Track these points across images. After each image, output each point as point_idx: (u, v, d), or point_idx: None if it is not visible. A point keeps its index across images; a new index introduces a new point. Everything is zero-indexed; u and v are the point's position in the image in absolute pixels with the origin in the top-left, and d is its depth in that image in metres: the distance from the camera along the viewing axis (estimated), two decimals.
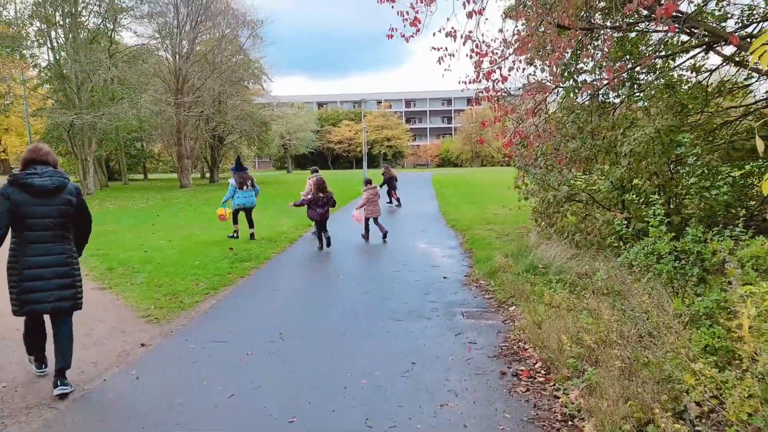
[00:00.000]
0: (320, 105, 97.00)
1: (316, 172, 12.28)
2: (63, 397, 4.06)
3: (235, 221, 11.98)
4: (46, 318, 4.40)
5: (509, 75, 8.29)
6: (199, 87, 34.95)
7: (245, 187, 11.69)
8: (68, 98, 28.40)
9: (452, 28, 8.48)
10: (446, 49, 10.33)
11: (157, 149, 52.13)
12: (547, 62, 8.53)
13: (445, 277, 8.02)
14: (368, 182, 12.33)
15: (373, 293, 7.12)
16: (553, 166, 8.27)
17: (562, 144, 8.16)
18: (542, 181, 7.91)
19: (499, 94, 10.55)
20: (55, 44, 29.27)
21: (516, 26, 9.88)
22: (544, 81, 9.49)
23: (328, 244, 10.62)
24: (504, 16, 11.51)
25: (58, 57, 29.19)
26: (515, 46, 8.17)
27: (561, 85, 8.72)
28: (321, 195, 10.57)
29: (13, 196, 4.06)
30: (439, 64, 10.32)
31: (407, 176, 47.73)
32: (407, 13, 9.33)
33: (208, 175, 45.06)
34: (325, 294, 7.15)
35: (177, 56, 35.49)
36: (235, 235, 11.96)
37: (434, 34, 9.83)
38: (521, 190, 10.08)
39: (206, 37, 38.84)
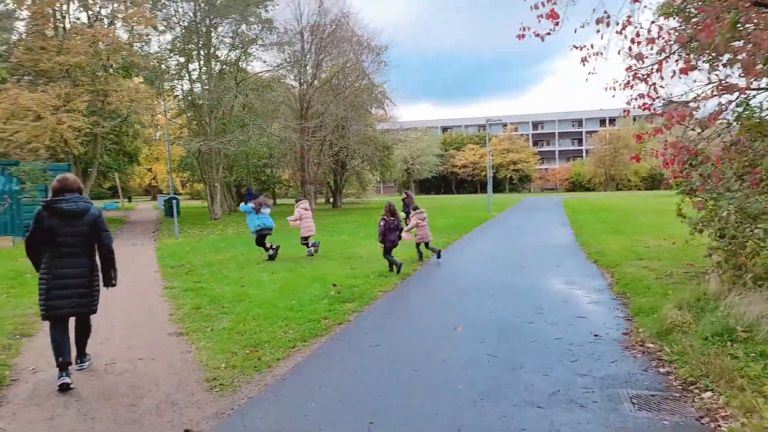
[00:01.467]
0: (444, 129, 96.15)
1: (301, 200, 13.73)
2: (81, 369, 5.13)
3: (261, 243, 12.66)
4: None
5: (688, 67, 6.30)
6: (322, 112, 35.11)
7: (265, 210, 12.45)
8: (200, 126, 29.51)
9: (605, 12, 6.68)
10: (591, 47, 8.50)
11: (286, 175, 53.63)
12: (740, 52, 6.43)
13: (596, 335, 6.11)
14: (415, 208, 12.49)
15: (500, 356, 5.41)
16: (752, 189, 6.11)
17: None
18: (740, 209, 5.79)
19: (655, 100, 8.50)
20: (193, 76, 30.72)
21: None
22: (727, 80, 7.34)
23: (398, 271, 10.38)
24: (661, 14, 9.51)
25: (192, 87, 30.56)
26: (693, 30, 6.20)
27: (758, 81, 6.55)
28: (392, 219, 10.68)
29: (46, 220, 4.81)
30: (583, 65, 8.48)
31: (534, 201, 44.94)
32: (542, 4, 7.66)
33: (332, 200, 45.40)
34: (436, 354, 5.54)
35: (303, 83, 36.08)
36: (273, 252, 12.57)
37: (575, 31, 8.05)
38: (691, 219, 7.91)
39: (331, 63, 39.21)
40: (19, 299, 8.31)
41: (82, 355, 5.22)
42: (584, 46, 8.38)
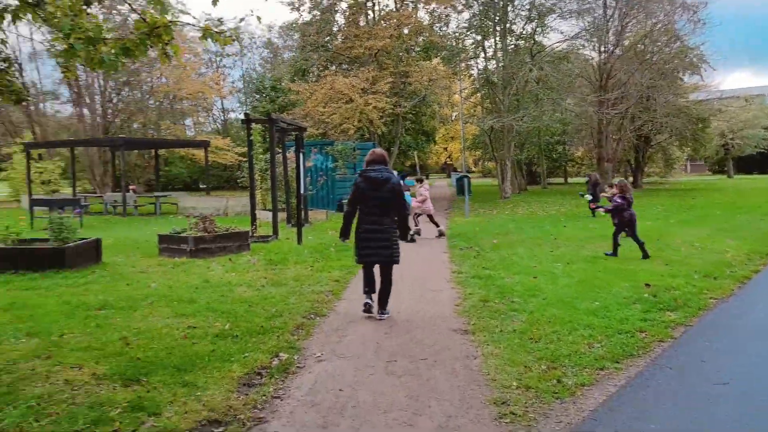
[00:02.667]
0: None
1: (421, 181, 14.33)
2: (381, 319, 6.15)
3: None
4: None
5: None
6: (624, 83, 31.65)
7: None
8: (493, 104, 29.20)
9: None
10: None
11: (579, 152, 50.55)
12: None
13: None
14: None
15: None
16: None
17: None
18: None
19: None
20: (488, 53, 30.58)
21: None
22: None
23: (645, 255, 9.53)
24: None
25: (486, 65, 30.37)
26: None
27: None
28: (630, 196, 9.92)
29: (360, 185, 6.07)
30: None
31: None
32: None
33: (631, 179, 41.15)
34: None
35: (603, 52, 33.02)
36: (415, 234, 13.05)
37: None
38: None
39: (636, 27, 35.07)
40: (321, 274, 8.70)
41: (383, 307, 6.28)
42: None
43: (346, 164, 21.61)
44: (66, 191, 27.43)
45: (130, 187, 23.28)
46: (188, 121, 50.28)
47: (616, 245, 10.02)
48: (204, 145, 25.78)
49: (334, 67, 26.43)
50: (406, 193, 12.89)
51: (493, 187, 36.03)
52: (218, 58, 55.82)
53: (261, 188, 14.69)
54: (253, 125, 13.06)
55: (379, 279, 6.26)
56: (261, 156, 14.29)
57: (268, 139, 14.84)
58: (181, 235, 10.49)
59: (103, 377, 4.15)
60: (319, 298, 7.11)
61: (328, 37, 26.26)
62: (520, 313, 6.26)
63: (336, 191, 22.22)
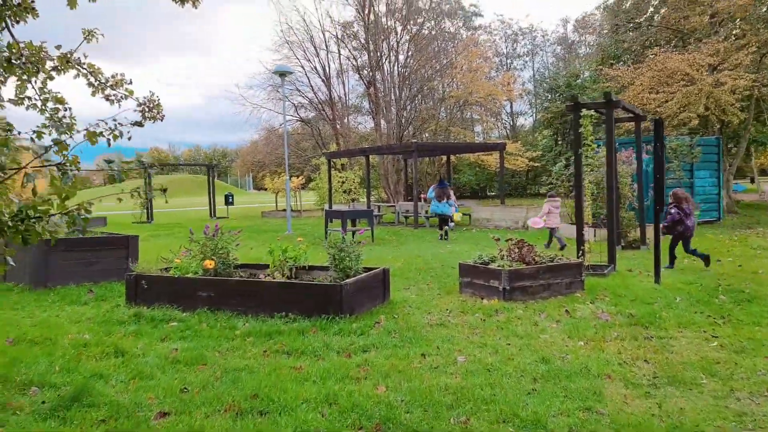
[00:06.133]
0: None
1: (553, 197, 12.87)
2: None
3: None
4: None
5: None
6: None
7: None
8: None
9: None
10: None
11: None
12: None
13: None
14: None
15: None
16: None
17: None
18: None
19: None
20: None
21: None
22: None
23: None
24: None
25: None
26: None
27: None
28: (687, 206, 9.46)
29: None
30: None
31: None
32: None
33: None
34: None
35: None
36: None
37: None
38: None
39: None
40: (749, 359, 4.74)
41: None
42: None
43: (682, 165, 16.57)
44: (364, 200, 27.60)
45: (422, 195, 21.75)
46: (477, 128, 48.91)
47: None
48: (500, 147, 23.04)
49: (656, 48, 21.33)
50: (442, 202, 15.20)
51: None
52: (509, 60, 53.65)
53: (589, 200, 11.08)
54: (583, 111, 9.50)
55: None
56: (589, 155, 10.58)
57: (587, 132, 11.17)
58: (490, 267, 7.51)
59: None
60: None
61: (650, 10, 21.28)
62: None
63: (665, 200, 17.27)
